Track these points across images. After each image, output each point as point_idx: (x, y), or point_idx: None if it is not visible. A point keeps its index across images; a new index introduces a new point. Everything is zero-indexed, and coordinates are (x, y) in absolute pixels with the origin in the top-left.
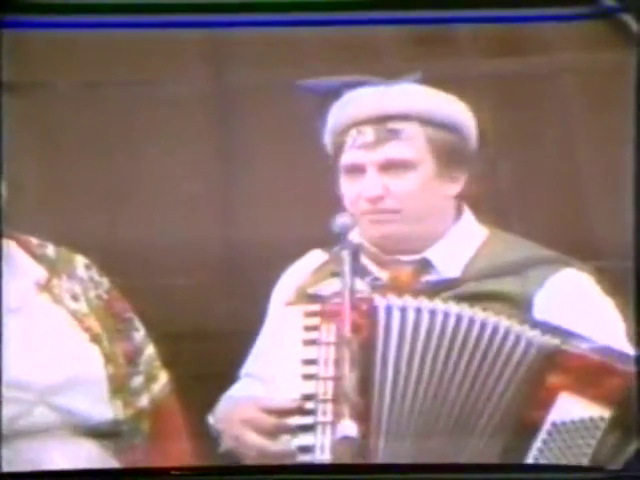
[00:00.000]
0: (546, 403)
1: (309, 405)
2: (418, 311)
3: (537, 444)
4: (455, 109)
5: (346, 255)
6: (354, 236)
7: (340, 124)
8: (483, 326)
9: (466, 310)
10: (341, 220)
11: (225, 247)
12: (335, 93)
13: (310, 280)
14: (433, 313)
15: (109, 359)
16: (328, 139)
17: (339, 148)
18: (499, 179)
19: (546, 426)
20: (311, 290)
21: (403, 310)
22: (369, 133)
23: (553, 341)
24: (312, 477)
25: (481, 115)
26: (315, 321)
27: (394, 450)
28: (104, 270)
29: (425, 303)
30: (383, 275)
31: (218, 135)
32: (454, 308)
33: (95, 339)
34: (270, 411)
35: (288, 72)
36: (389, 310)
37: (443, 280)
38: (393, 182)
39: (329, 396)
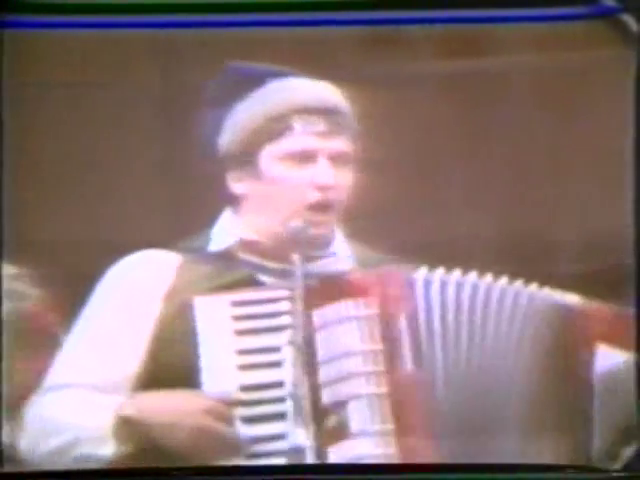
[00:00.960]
0: (589, 357)
1: (259, 395)
2: (458, 284)
3: (593, 399)
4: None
5: (298, 259)
6: (239, 231)
7: (277, 110)
8: (504, 292)
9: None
10: (295, 224)
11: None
12: (258, 79)
13: (182, 279)
14: (475, 286)
15: (8, 378)
16: (253, 124)
17: (272, 134)
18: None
19: (594, 380)
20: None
21: (443, 283)
22: (319, 122)
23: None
24: (312, 477)
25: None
26: (245, 310)
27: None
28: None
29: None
30: (284, 267)
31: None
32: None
33: None
34: (224, 402)
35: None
36: (428, 282)
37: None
38: (338, 175)
39: (299, 385)
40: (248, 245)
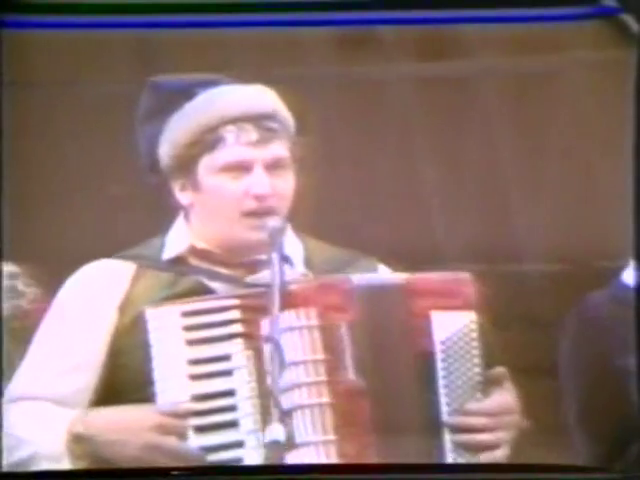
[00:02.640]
0: (425, 328)
1: (210, 405)
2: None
3: (440, 365)
4: (287, 113)
5: (275, 259)
6: (189, 238)
7: (207, 121)
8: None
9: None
10: (273, 224)
11: None
12: (188, 91)
13: (142, 288)
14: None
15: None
16: (183, 137)
17: (206, 145)
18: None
19: (438, 347)
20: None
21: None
22: (252, 131)
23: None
24: (312, 477)
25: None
26: (197, 320)
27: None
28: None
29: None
30: (235, 273)
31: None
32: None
33: None
34: (175, 414)
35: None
36: (367, 288)
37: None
38: (276, 181)
39: (250, 393)
40: (198, 252)
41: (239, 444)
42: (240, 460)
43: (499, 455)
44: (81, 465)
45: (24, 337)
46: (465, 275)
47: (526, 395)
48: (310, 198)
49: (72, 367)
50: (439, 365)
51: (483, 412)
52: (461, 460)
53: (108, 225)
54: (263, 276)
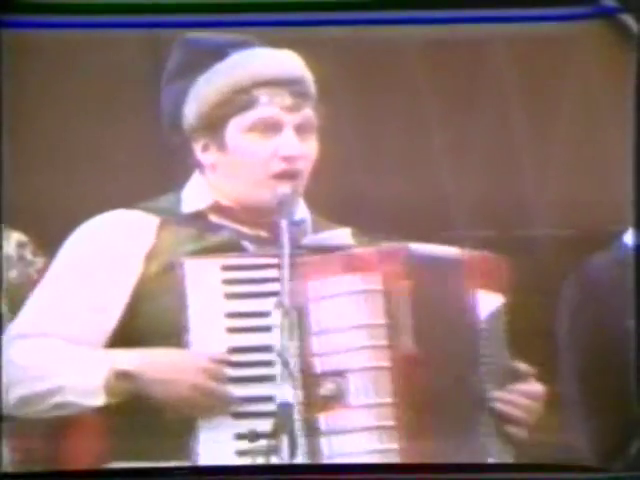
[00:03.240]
0: (475, 305)
1: (247, 358)
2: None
3: (482, 342)
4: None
5: (285, 224)
6: (214, 195)
7: (242, 82)
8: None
9: None
10: (282, 190)
11: None
12: (220, 51)
13: (163, 239)
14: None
15: None
16: (216, 96)
17: (239, 105)
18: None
19: (482, 325)
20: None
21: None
22: (286, 95)
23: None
24: (313, 477)
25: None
26: (235, 275)
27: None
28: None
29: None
30: (260, 233)
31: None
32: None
33: None
34: (222, 362)
35: None
36: (423, 258)
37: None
38: (304, 145)
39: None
40: (222, 209)
41: (272, 398)
42: (273, 412)
43: (522, 435)
44: (115, 401)
45: None
46: (501, 258)
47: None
48: (322, 164)
49: (91, 309)
50: (482, 342)
51: (525, 393)
52: (493, 439)
53: (114, 193)
54: (312, 240)
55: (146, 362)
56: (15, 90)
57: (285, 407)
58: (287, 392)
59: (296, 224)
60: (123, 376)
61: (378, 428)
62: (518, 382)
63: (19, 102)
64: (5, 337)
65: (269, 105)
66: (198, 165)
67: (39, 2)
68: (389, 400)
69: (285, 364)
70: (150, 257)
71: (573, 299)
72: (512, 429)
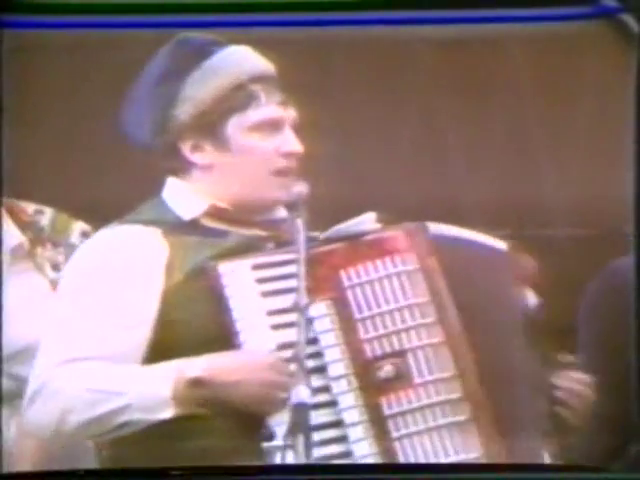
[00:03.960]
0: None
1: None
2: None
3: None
4: None
5: (299, 223)
6: (206, 199)
7: (235, 79)
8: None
9: None
10: (297, 188)
11: None
12: (205, 50)
13: (175, 248)
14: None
15: None
16: (213, 95)
17: (237, 104)
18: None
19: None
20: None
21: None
22: (276, 90)
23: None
24: (313, 477)
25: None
26: (267, 272)
27: None
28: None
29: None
30: (261, 233)
31: None
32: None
33: None
34: (282, 358)
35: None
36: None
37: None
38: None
39: (335, 340)
40: (217, 212)
41: (326, 389)
42: (331, 403)
43: (576, 422)
44: (186, 410)
45: None
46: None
47: None
48: (332, 162)
49: (122, 326)
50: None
51: (577, 379)
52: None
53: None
54: (335, 231)
55: (214, 367)
56: (15, 90)
57: (301, 406)
58: (302, 391)
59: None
60: (194, 384)
61: (446, 402)
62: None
63: (19, 102)
64: (45, 366)
65: (268, 102)
66: (186, 167)
67: (39, 2)
68: (452, 373)
69: (300, 363)
70: (170, 267)
71: (594, 301)
72: (567, 414)
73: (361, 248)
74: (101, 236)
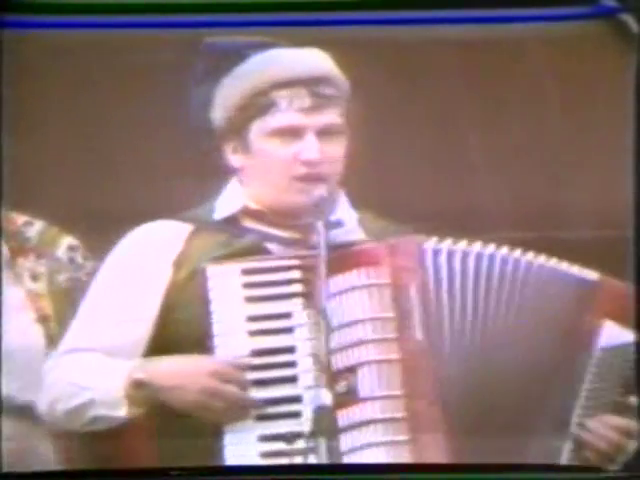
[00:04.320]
0: (593, 332)
1: (268, 360)
2: (465, 253)
3: (591, 369)
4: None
5: (321, 227)
6: (243, 199)
7: (261, 84)
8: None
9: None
10: (318, 193)
11: None
12: (241, 53)
13: (191, 247)
14: (479, 256)
15: (53, 342)
16: (235, 100)
17: (259, 109)
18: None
19: (596, 352)
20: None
21: (451, 253)
22: (305, 96)
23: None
24: (313, 477)
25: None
26: (255, 278)
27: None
28: (89, 248)
29: (465, 246)
30: (290, 235)
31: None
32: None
33: (42, 319)
34: (232, 365)
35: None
36: (437, 252)
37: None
38: (328, 147)
39: (310, 350)
40: (252, 213)
41: (297, 399)
42: (298, 414)
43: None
44: (138, 410)
45: (74, 308)
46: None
47: None
48: (358, 164)
49: (126, 320)
50: (590, 369)
51: (615, 426)
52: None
53: (161, 194)
54: (335, 235)
55: (158, 369)
56: (15, 90)
57: (321, 409)
58: (323, 394)
59: (330, 225)
60: (138, 385)
61: (388, 420)
62: (622, 414)
63: (19, 103)
64: (54, 354)
65: (288, 109)
66: (229, 169)
67: (39, 2)
68: (398, 392)
69: (322, 366)
70: (178, 265)
71: None
72: (588, 454)
73: (342, 258)
74: (137, 230)
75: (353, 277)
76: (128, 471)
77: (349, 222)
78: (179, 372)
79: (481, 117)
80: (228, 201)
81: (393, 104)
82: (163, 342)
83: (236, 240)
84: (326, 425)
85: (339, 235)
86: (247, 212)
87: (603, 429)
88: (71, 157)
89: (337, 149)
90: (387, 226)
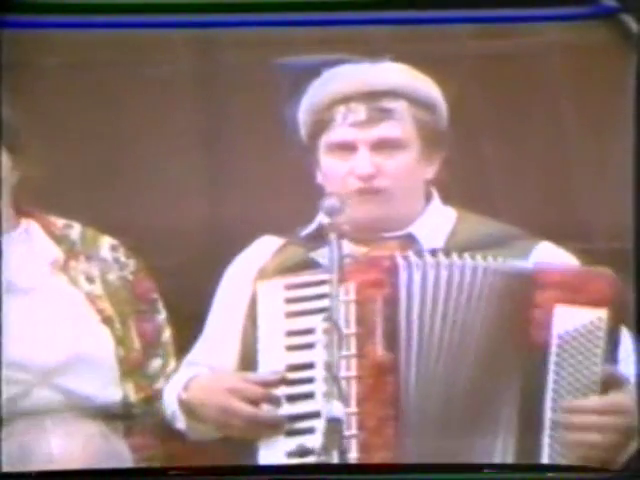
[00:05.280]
0: (546, 320)
1: (296, 375)
2: (437, 266)
3: (553, 359)
4: (432, 89)
5: (333, 238)
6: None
7: (323, 100)
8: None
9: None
10: (329, 202)
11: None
12: (314, 71)
13: (273, 262)
14: (451, 267)
15: (121, 341)
16: (307, 117)
17: (323, 125)
18: (472, 163)
19: (555, 341)
20: (280, 269)
21: (424, 266)
22: (361, 111)
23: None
24: (314, 477)
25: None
26: (297, 293)
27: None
28: (131, 251)
29: (442, 259)
30: (360, 251)
31: (204, 115)
32: (468, 261)
33: (107, 321)
34: (255, 382)
35: (272, 52)
36: (409, 266)
37: (428, 251)
38: (384, 161)
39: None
40: (329, 227)
41: (316, 414)
42: (314, 430)
43: (606, 457)
44: (192, 426)
45: (134, 306)
46: (604, 270)
47: None
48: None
49: (223, 335)
50: (552, 359)
51: (592, 410)
52: (562, 459)
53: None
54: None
55: (192, 387)
56: (15, 90)
57: (335, 422)
58: (336, 407)
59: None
60: (182, 403)
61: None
62: (610, 391)
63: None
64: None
65: (342, 124)
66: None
67: (39, 2)
68: (354, 409)
69: (334, 379)
70: (256, 280)
71: None
72: (586, 453)
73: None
74: (250, 245)
75: (324, 292)
76: (128, 471)
77: (434, 232)
78: (201, 390)
79: (496, 126)
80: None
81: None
82: (243, 360)
83: (293, 255)
84: (337, 437)
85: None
86: (326, 226)
87: (585, 419)
88: (73, 163)
89: (396, 162)
90: (489, 232)
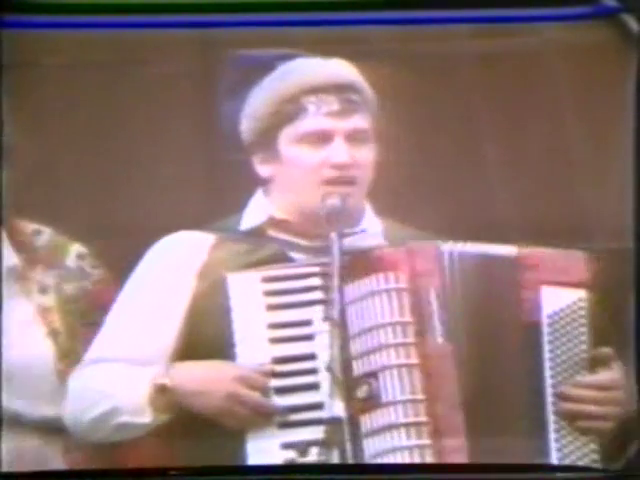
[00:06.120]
0: (535, 302)
1: (282, 368)
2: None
3: (545, 338)
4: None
5: (335, 237)
6: (269, 210)
7: (286, 92)
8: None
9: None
10: (331, 202)
11: None
12: (268, 65)
13: (215, 257)
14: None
15: (65, 355)
16: (265, 109)
17: (287, 116)
18: (472, 162)
19: (545, 320)
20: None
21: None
22: (332, 102)
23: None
24: (314, 477)
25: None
26: (276, 286)
27: None
28: (97, 256)
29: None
30: (313, 244)
31: (203, 114)
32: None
33: (52, 334)
34: (257, 371)
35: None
36: (452, 254)
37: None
38: (357, 152)
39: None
40: (278, 223)
41: (319, 406)
42: (320, 421)
43: (605, 428)
44: (162, 417)
45: (88, 318)
46: (579, 253)
47: None
48: (380, 174)
49: (151, 331)
50: (545, 338)
51: (593, 385)
52: (564, 432)
53: (172, 205)
54: (345, 244)
55: (182, 374)
56: (15, 90)
57: (335, 420)
58: (337, 405)
59: (351, 234)
60: (162, 390)
61: (410, 425)
62: (599, 369)
63: (21, 115)
64: (81, 364)
65: (317, 114)
66: (257, 180)
67: (39, 2)
68: (420, 397)
69: (333, 373)
70: (201, 275)
71: None
72: (587, 424)
73: (361, 263)
74: (161, 241)
75: (372, 282)
76: (128, 471)
77: (372, 231)
78: (203, 377)
79: (497, 126)
80: (254, 212)
81: (413, 115)
82: (188, 352)
83: (259, 249)
84: (338, 436)
85: (357, 241)
86: (272, 222)
87: (583, 392)
88: (72, 161)
89: (366, 154)
90: (410, 234)
